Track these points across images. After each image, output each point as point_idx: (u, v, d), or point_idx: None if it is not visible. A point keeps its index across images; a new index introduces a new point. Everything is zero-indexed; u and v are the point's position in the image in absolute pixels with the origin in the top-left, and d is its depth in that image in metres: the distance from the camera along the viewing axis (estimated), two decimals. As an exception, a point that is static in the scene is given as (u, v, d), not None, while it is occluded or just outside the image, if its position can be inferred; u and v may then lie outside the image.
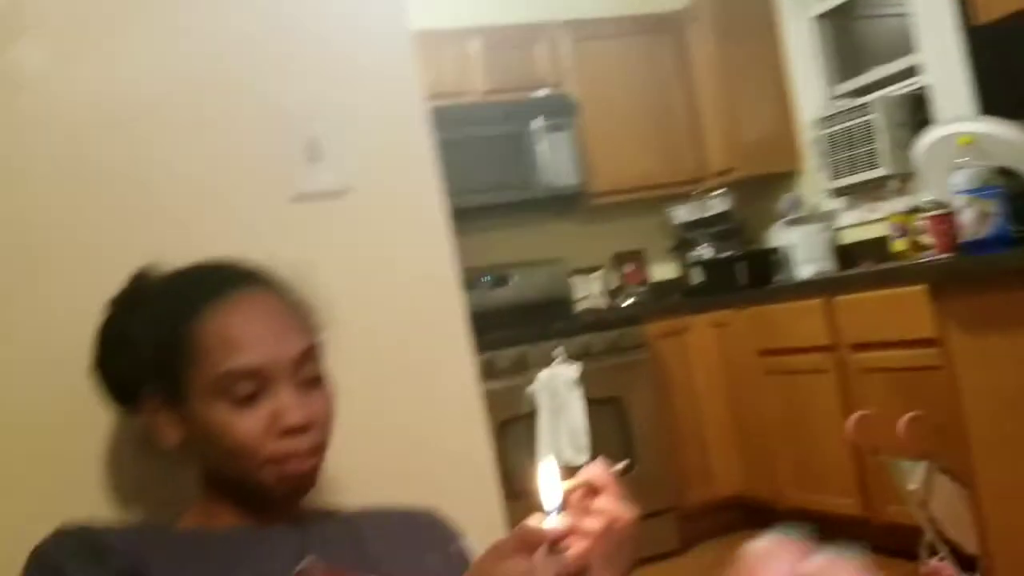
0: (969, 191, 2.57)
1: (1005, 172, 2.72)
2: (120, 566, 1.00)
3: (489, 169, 4.49)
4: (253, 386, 1.06)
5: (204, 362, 1.06)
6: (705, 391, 4.46)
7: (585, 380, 4.05)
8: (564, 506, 0.96)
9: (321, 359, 1.13)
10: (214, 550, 1.07)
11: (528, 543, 0.90)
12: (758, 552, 0.81)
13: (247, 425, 1.06)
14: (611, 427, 4.20)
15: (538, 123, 4.59)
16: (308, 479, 1.10)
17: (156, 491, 1.26)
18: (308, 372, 1.11)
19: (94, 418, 1.25)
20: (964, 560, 2.90)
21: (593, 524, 0.97)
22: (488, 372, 3.98)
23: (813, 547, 0.82)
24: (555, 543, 0.91)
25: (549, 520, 0.92)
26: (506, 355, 4.08)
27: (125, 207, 1.34)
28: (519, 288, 4.76)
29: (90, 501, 1.25)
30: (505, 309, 4.57)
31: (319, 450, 1.10)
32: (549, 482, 0.95)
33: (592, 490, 0.98)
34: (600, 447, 3.95)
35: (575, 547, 0.95)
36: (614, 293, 5.06)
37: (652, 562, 4.05)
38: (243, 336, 1.07)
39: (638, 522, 0.97)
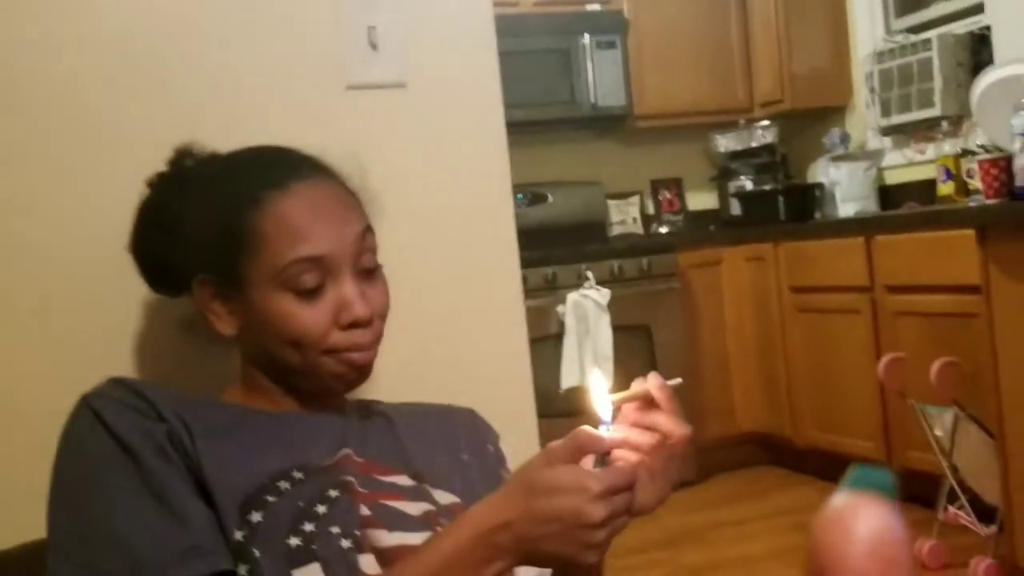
0: (1020, 135, 2.50)
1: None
2: (167, 427, 0.99)
3: (534, 84, 4.42)
4: (316, 276, 1.05)
5: (265, 252, 1.04)
6: (734, 325, 4.43)
7: (614, 305, 4.02)
8: (616, 418, 0.94)
9: (376, 249, 1.11)
10: (256, 429, 1.07)
11: (581, 451, 0.88)
12: (845, 508, 0.80)
13: (311, 317, 1.04)
14: (637, 354, 4.18)
15: (587, 39, 4.50)
16: (366, 370, 1.10)
17: (192, 372, 1.26)
18: (367, 262, 1.09)
19: (127, 296, 1.25)
20: (983, 510, 2.89)
21: (645, 438, 0.94)
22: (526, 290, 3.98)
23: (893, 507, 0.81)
24: (605, 454, 0.90)
25: (602, 431, 0.90)
26: (538, 274, 4.06)
27: (176, 86, 1.33)
28: (556, 208, 4.71)
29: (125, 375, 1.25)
30: (540, 228, 4.53)
31: (377, 342, 1.10)
32: (602, 393, 0.92)
33: (647, 404, 0.95)
34: (625, 374, 3.94)
35: (625, 459, 0.92)
36: (650, 220, 5.00)
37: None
38: (306, 225, 1.05)
39: (690, 441, 0.95)
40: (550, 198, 4.71)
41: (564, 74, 4.51)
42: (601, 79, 4.53)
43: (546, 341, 4.02)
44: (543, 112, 4.49)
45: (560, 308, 4.04)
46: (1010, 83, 2.81)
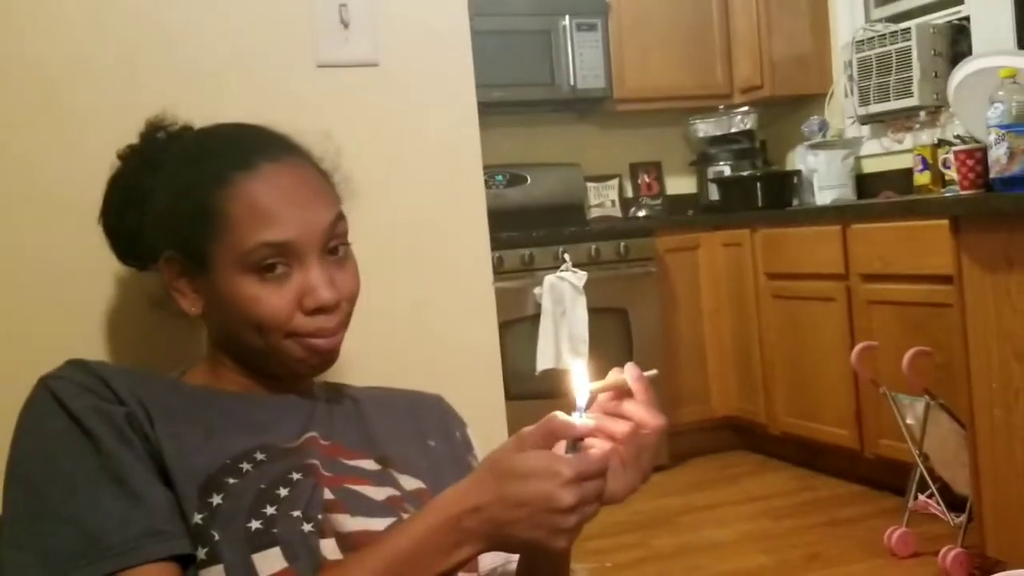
0: (1004, 126, 2.50)
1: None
2: (126, 410, 0.99)
3: (514, 65, 4.40)
4: (283, 260, 1.03)
5: (231, 234, 1.03)
6: (710, 310, 4.44)
7: (590, 288, 4.02)
8: (591, 406, 0.93)
9: (347, 233, 1.10)
10: (219, 410, 1.06)
11: (553, 436, 0.88)
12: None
13: (275, 300, 1.03)
14: (613, 337, 4.19)
15: (567, 21, 4.48)
16: (331, 355, 1.09)
17: (160, 346, 1.25)
18: (336, 245, 1.08)
19: (99, 267, 1.24)
20: (953, 499, 2.91)
21: (620, 427, 0.94)
22: (494, 271, 3.97)
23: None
24: (578, 440, 0.90)
25: (574, 417, 0.90)
26: (515, 255, 4.06)
27: (145, 63, 1.31)
28: (534, 189, 4.69)
29: (92, 351, 1.25)
30: (518, 209, 4.52)
31: (344, 326, 1.09)
32: (579, 380, 0.92)
33: (623, 393, 0.95)
34: (600, 357, 3.94)
35: (598, 447, 0.92)
36: (628, 203, 5.00)
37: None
38: (274, 209, 1.03)
39: (664, 432, 0.94)
40: (529, 179, 4.70)
41: (544, 56, 4.49)
42: (581, 61, 4.51)
43: (522, 323, 4.01)
44: (523, 93, 4.47)
45: (537, 290, 4.04)
46: (987, 74, 2.81)
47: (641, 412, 0.94)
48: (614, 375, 0.96)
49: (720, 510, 3.72)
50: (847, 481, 3.83)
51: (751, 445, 4.47)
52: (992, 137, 2.54)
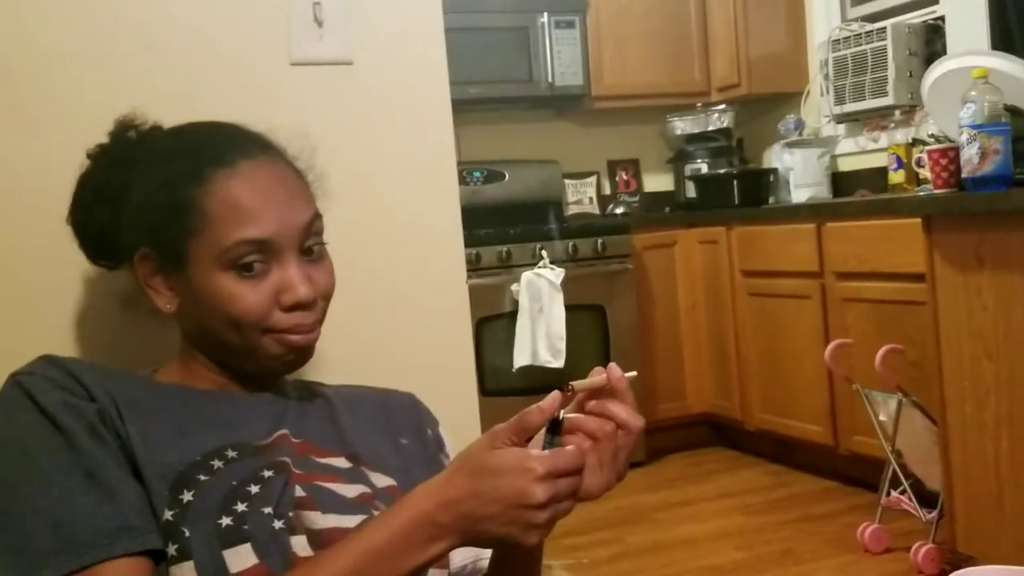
0: (976, 126, 2.52)
1: (1013, 111, 2.66)
2: (97, 407, 0.99)
3: (492, 61, 4.40)
4: (260, 258, 1.04)
5: (209, 231, 1.03)
6: (686, 307, 4.46)
7: (568, 285, 4.03)
8: (573, 405, 0.95)
9: (323, 232, 1.11)
10: (191, 407, 1.06)
11: (526, 432, 0.89)
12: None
13: (252, 298, 1.04)
14: (590, 334, 4.20)
15: (546, 18, 4.48)
16: (307, 351, 1.09)
17: (131, 345, 1.25)
18: (313, 243, 1.08)
19: (69, 267, 1.24)
20: (925, 496, 2.94)
21: (598, 426, 0.95)
22: (471, 268, 3.97)
23: None
24: (556, 437, 0.91)
25: (549, 408, 0.91)
26: (492, 252, 4.06)
27: (117, 60, 1.30)
28: (512, 186, 4.70)
29: (63, 350, 1.22)
30: (495, 206, 4.52)
31: (320, 323, 1.09)
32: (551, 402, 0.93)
33: (603, 393, 0.96)
34: (577, 354, 3.96)
35: (575, 445, 0.93)
36: (606, 200, 5.01)
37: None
38: (252, 206, 1.03)
39: (642, 433, 0.96)
40: (507, 176, 4.70)
41: (522, 53, 4.50)
42: (559, 58, 4.52)
43: (500, 319, 4.02)
44: (501, 90, 4.48)
45: (514, 287, 4.05)
46: (960, 75, 2.83)
47: (622, 412, 0.95)
48: (596, 374, 0.97)
49: (695, 506, 3.74)
50: (821, 477, 3.86)
51: (727, 441, 4.50)
52: (964, 137, 2.56)
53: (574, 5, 4.56)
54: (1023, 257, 2.39)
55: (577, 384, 0.95)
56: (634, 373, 0.98)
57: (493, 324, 4.00)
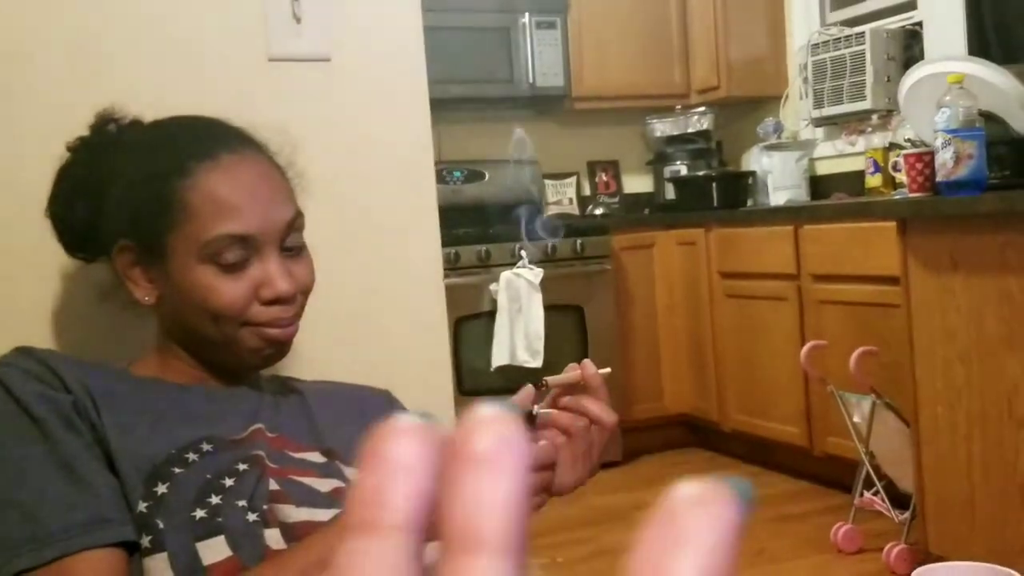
0: (950, 130, 2.55)
1: (988, 116, 2.70)
2: (73, 398, 0.99)
3: (473, 61, 4.41)
4: (241, 252, 1.04)
5: (191, 224, 1.03)
6: (664, 308, 4.48)
7: (547, 285, 4.04)
8: (548, 400, 0.95)
9: (303, 229, 1.11)
10: (167, 400, 1.06)
11: None
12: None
13: (233, 291, 1.04)
14: (568, 335, 4.21)
15: (527, 18, 4.50)
16: (285, 346, 1.10)
17: (108, 338, 1.25)
18: (293, 240, 1.09)
19: (46, 259, 1.23)
20: (898, 497, 2.96)
21: (571, 422, 0.96)
22: (451, 267, 3.98)
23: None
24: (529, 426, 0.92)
25: (522, 403, 0.92)
26: (471, 252, 4.07)
27: (95, 56, 1.30)
28: (492, 186, 4.70)
29: (39, 343, 1.23)
30: (475, 205, 4.53)
31: (298, 318, 1.10)
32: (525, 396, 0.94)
33: (578, 389, 0.97)
34: (556, 353, 3.97)
35: (548, 440, 0.94)
36: (585, 201, 5.03)
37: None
38: (235, 201, 1.04)
39: (615, 430, 0.97)
40: (487, 176, 4.71)
41: (504, 53, 4.51)
42: (541, 59, 4.53)
43: (479, 319, 4.03)
44: (482, 90, 4.48)
45: (493, 286, 4.05)
46: (937, 80, 2.86)
47: (596, 408, 0.96)
48: (571, 370, 0.98)
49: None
50: (796, 478, 3.88)
51: (703, 442, 4.52)
52: (939, 141, 2.59)
53: (555, 6, 4.58)
54: (996, 261, 2.42)
55: (551, 379, 0.96)
56: (608, 370, 0.99)
57: (471, 323, 4.01)
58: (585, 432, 0.96)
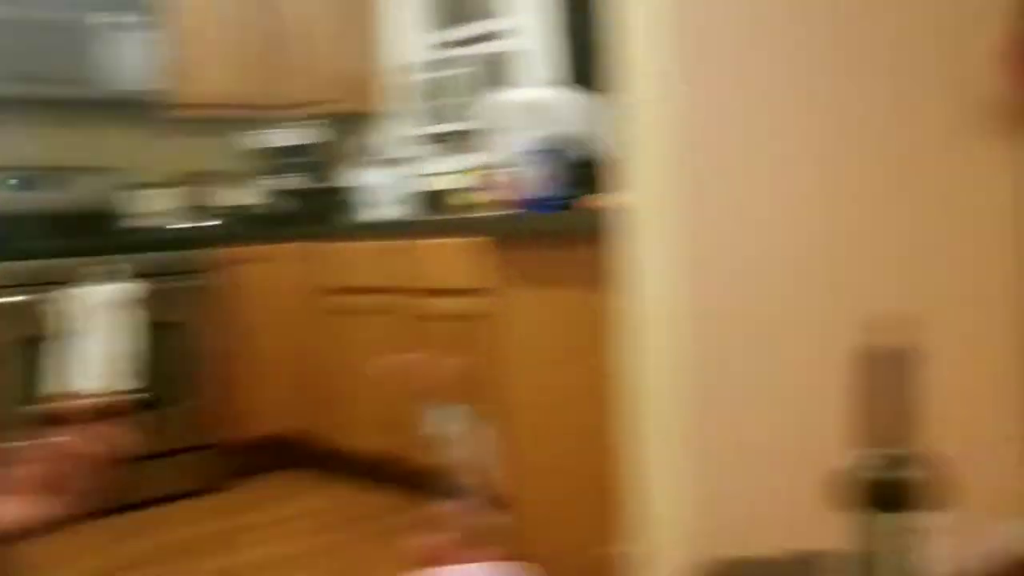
0: (529, 153, 2.66)
1: (567, 139, 2.84)
2: None
3: (42, 58, 4.01)
4: None
5: None
6: (266, 324, 4.33)
7: (136, 302, 3.76)
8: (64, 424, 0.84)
9: None
10: None
11: None
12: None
13: None
14: (162, 353, 3.94)
15: (107, 15, 4.16)
16: None
17: None
18: None
19: None
20: (491, 502, 3.04)
21: (64, 447, 0.85)
22: (8, 283, 3.57)
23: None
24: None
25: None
26: (32, 267, 3.67)
27: None
28: (57, 195, 4.30)
29: None
30: (37, 216, 4.13)
31: None
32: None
33: (103, 413, 0.86)
34: (151, 374, 3.70)
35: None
36: (179, 213, 4.76)
37: (192, 497, 3.92)
38: None
39: (112, 459, 0.86)
40: (54, 184, 4.30)
41: (68, 51, 4.09)
42: (118, 60, 4.21)
43: (40, 341, 3.65)
44: (53, 89, 4.10)
45: (57, 306, 3.69)
46: (522, 104, 2.99)
47: (113, 433, 0.87)
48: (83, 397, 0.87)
49: (272, 528, 3.64)
50: (394, 491, 3.88)
51: (302, 462, 4.41)
52: (519, 163, 2.69)
53: (144, 6, 4.29)
54: (576, 273, 2.55)
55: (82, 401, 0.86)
56: (145, 395, 0.90)
57: (35, 345, 3.63)
58: (72, 459, 0.86)
